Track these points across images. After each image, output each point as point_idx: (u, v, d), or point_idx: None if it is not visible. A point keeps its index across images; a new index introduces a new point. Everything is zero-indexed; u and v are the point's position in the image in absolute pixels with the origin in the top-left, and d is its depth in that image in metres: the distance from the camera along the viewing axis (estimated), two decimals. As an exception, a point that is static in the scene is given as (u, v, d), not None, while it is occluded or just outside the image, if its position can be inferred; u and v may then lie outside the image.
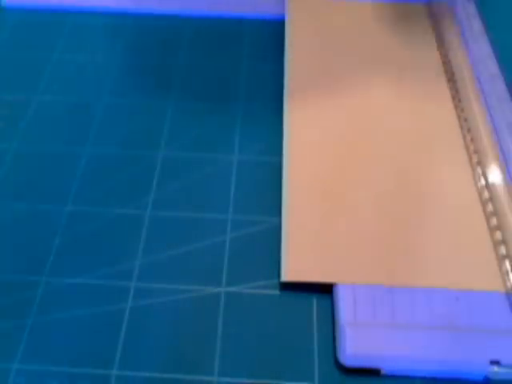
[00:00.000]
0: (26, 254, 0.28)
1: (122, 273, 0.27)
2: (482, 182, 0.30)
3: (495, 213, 0.28)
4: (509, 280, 0.26)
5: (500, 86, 0.34)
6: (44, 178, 0.31)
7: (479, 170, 0.30)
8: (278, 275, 0.27)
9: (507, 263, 0.27)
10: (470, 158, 0.31)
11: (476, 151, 0.31)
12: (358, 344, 0.24)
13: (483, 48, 0.37)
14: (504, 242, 0.27)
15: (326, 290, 0.26)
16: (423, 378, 0.24)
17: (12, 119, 0.34)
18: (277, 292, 0.27)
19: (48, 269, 0.27)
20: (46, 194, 0.30)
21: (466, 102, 0.34)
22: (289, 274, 0.26)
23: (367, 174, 0.31)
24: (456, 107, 0.34)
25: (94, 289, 0.27)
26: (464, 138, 0.32)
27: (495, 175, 0.30)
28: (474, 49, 0.37)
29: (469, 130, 0.32)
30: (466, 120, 0.33)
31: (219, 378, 0.24)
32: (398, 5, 0.41)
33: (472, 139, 0.32)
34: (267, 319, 0.26)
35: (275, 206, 0.30)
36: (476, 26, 0.38)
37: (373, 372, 0.24)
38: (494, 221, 0.28)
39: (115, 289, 0.27)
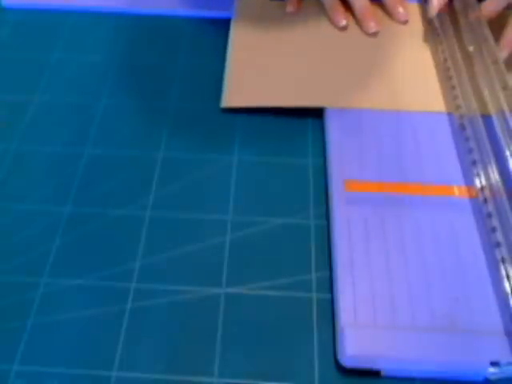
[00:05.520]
0: (25, 254, 0.28)
1: (122, 274, 0.27)
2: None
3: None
4: (457, 108, 0.32)
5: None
6: (44, 177, 0.31)
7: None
8: (279, 276, 0.27)
9: (458, 90, 0.32)
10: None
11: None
12: (358, 345, 0.24)
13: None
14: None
15: (325, 289, 0.26)
16: (423, 380, 0.24)
17: (12, 119, 0.34)
18: (277, 292, 0.27)
19: (48, 270, 0.27)
20: (46, 194, 0.30)
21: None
22: (229, 100, 0.32)
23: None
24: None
25: (93, 290, 0.27)
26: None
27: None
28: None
29: None
30: None
31: (219, 379, 0.24)
32: None
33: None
34: (267, 320, 0.26)
35: (275, 207, 0.29)
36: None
37: (373, 373, 0.24)
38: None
39: (115, 290, 0.27)
